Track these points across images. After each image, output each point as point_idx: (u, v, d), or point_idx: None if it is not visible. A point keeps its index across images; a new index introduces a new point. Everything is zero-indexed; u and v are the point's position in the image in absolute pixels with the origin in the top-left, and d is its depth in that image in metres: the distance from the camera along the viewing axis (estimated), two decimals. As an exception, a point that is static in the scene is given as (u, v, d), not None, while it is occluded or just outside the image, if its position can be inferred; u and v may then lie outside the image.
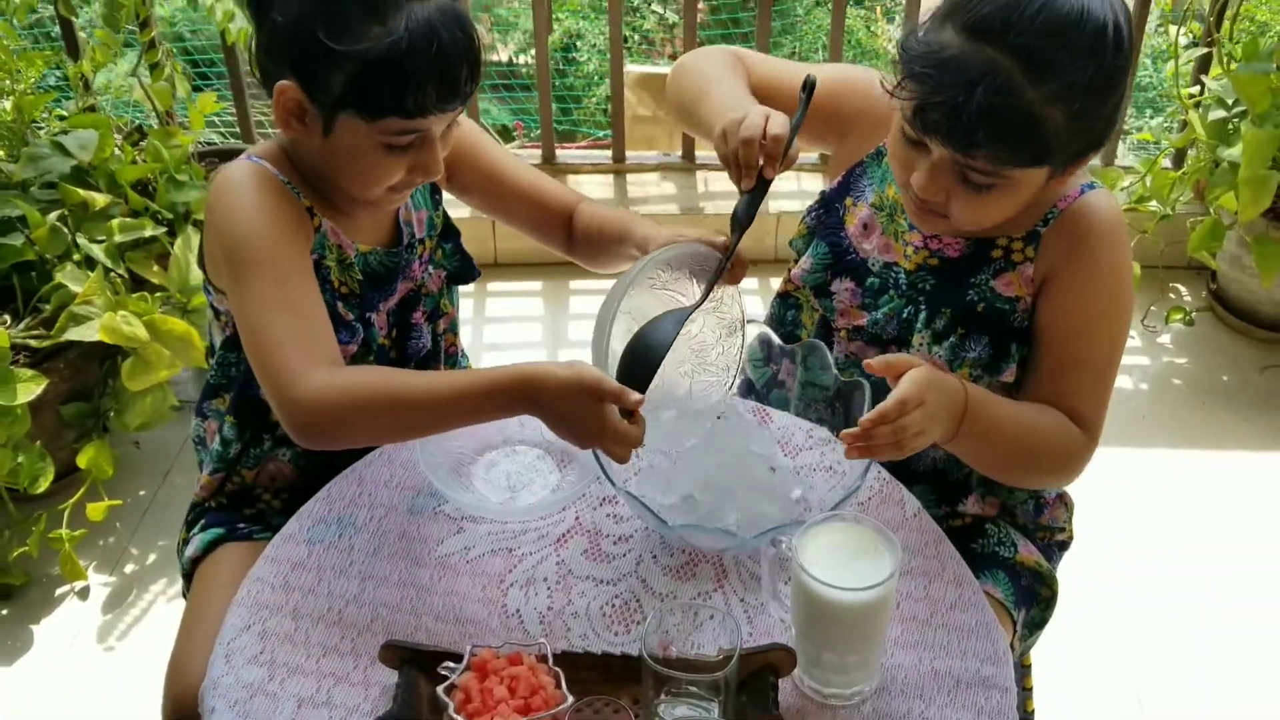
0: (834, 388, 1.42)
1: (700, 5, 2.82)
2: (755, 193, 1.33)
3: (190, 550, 1.55)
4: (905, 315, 1.44)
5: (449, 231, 1.59)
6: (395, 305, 1.51)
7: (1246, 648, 2.07)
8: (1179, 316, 2.71)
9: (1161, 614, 2.13)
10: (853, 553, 1.15)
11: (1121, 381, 2.62)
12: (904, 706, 1.19)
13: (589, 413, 1.19)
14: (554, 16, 8.78)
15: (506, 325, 2.81)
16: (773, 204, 2.82)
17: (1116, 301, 1.39)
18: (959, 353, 1.42)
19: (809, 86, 1.36)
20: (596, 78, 8.23)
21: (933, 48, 1.21)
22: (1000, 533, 1.55)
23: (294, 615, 1.27)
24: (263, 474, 1.55)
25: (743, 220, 1.33)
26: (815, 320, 1.55)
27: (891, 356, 1.25)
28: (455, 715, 1.11)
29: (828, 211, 1.52)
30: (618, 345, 1.28)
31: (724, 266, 1.33)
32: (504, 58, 9.26)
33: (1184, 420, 2.53)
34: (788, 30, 7.67)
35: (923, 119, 1.23)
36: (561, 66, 8.53)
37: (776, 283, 1.59)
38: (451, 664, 1.15)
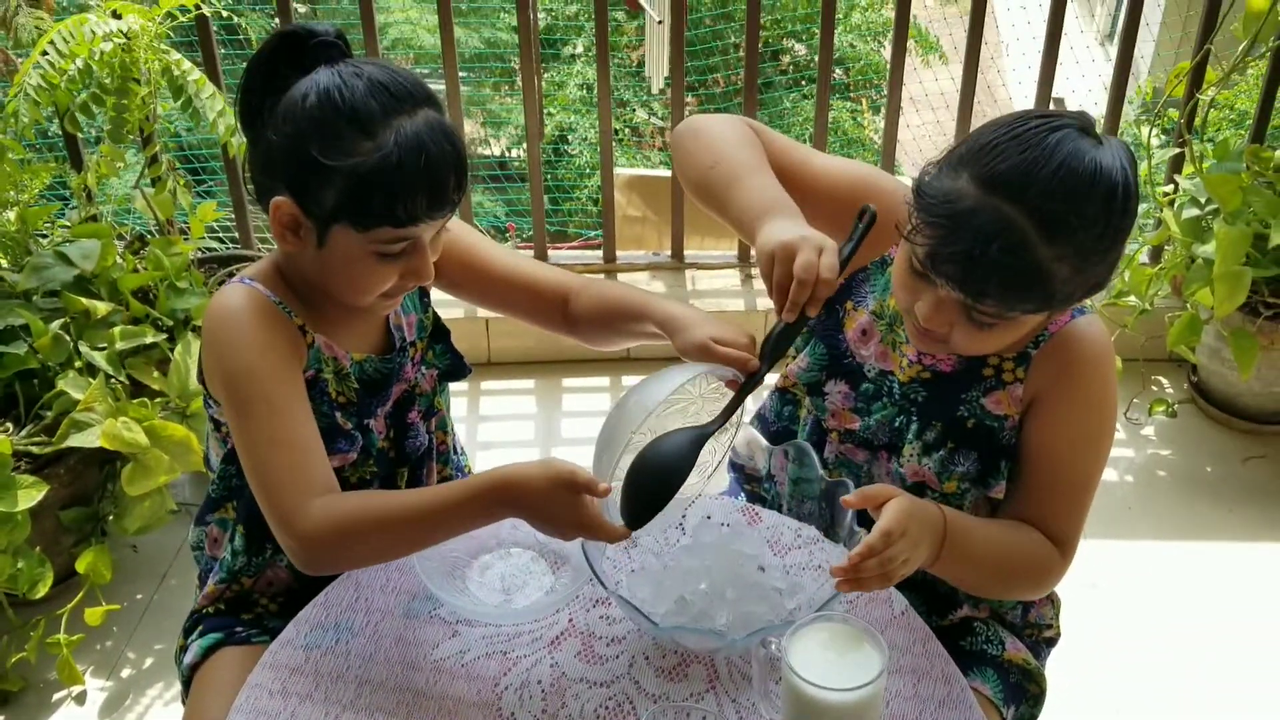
0: (820, 488, 1.46)
1: (688, 100, 2.89)
2: (794, 326, 1.31)
3: (189, 657, 1.56)
4: (897, 424, 1.48)
5: (439, 332, 1.63)
6: (390, 408, 1.55)
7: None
8: (1161, 409, 2.76)
9: (1149, 704, 2.14)
10: (841, 652, 1.17)
11: (1106, 474, 2.63)
12: (894, 806, 1.21)
13: (565, 505, 1.24)
14: (546, 111, 8.98)
15: (500, 424, 2.84)
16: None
17: (1100, 427, 1.43)
18: (948, 466, 1.45)
19: (868, 218, 1.36)
20: (587, 169, 8.38)
21: (950, 197, 1.23)
22: (988, 631, 1.57)
23: (292, 721, 1.29)
24: (260, 580, 1.57)
25: (775, 353, 1.33)
26: (809, 418, 1.59)
27: (868, 489, 1.29)
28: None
29: (828, 313, 1.54)
30: (626, 459, 1.29)
31: (747, 393, 1.33)
32: (496, 152, 9.44)
33: (1169, 512, 2.56)
34: (775, 120, 7.85)
35: (934, 263, 1.25)
36: (552, 159, 8.70)
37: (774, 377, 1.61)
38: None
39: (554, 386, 2.93)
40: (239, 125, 1.41)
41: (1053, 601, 1.66)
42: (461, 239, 1.58)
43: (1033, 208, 1.20)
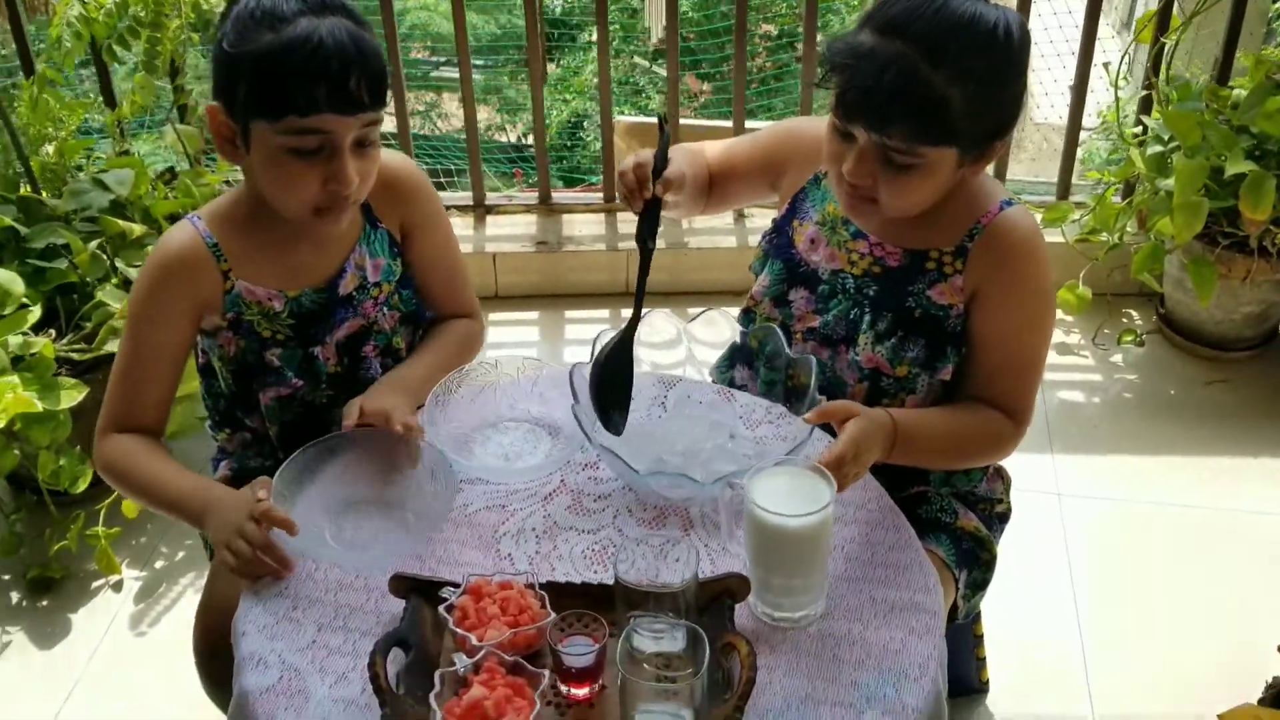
0: (785, 368, 1.63)
1: (684, 78, 3.04)
2: (643, 216, 1.57)
3: None
4: (852, 317, 1.65)
5: (407, 280, 1.74)
6: (344, 339, 1.68)
7: (1193, 625, 2.25)
8: (1130, 338, 2.92)
9: (1109, 596, 2.31)
10: (795, 489, 1.33)
11: (1074, 395, 2.82)
12: (845, 628, 1.36)
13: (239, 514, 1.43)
14: (561, 98, 9.13)
15: (507, 351, 3.00)
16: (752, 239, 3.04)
17: (1039, 309, 1.61)
18: (899, 352, 1.62)
19: (663, 126, 1.61)
20: (597, 148, 8.52)
21: (851, 44, 1.45)
22: (942, 502, 1.74)
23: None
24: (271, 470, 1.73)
25: (640, 241, 1.57)
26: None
27: (826, 407, 1.48)
28: (454, 628, 1.29)
29: (779, 234, 1.74)
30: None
31: (642, 288, 1.56)
32: (512, 138, 9.57)
33: (1133, 430, 2.72)
34: (791, 107, 8.00)
35: (845, 106, 1.46)
36: (568, 144, 8.84)
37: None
38: (451, 589, 1.34)
39: (557, 318, 3.10)
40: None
41: (1002, 477, 1.83)
42: (436, 225, 1.75)
43: (918, 38, 1.39)
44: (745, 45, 3.06)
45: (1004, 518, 1.84)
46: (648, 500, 1.54)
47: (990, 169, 1.64)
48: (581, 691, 1.28)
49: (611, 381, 1.54)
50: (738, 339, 1.76)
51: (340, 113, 1.43)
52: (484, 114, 8.85)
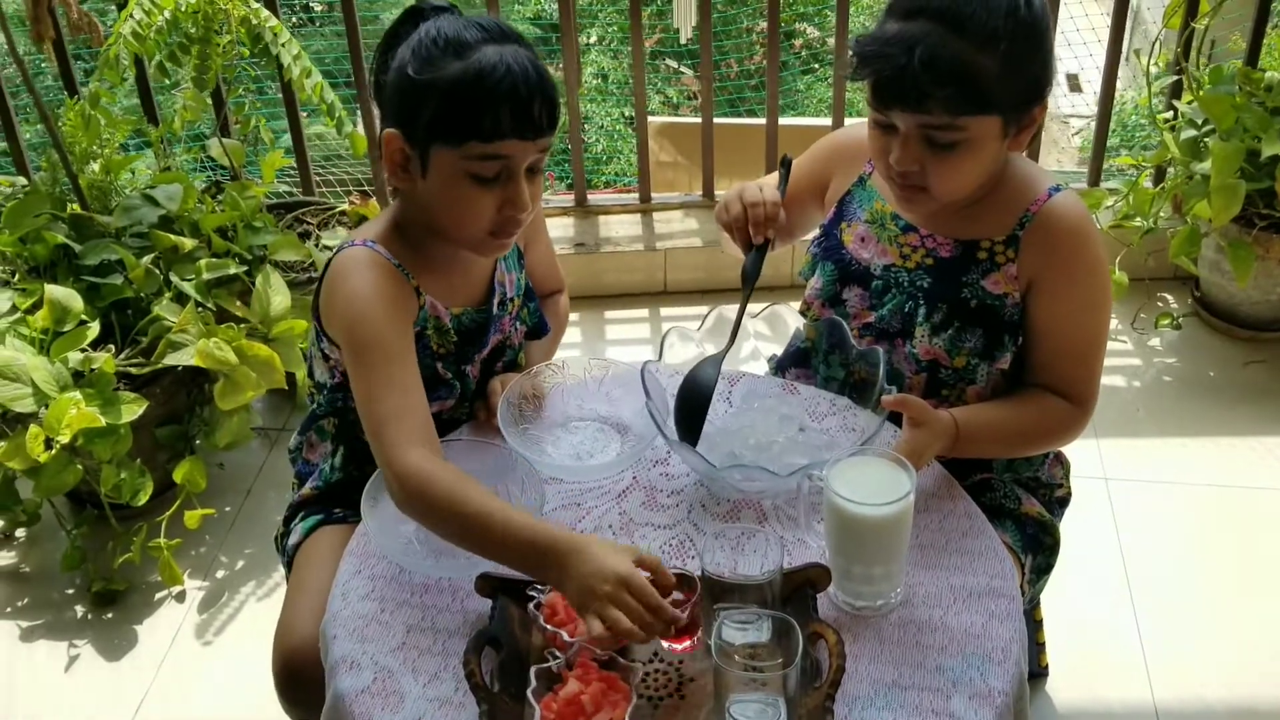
0: (850, 363, 1.66)
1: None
2: (761, 248, 1.63)
3: (293, 538, 1.74)
4: (907, 310, 1.67)
5: (530, 293, 1.79)
6: (486, 355, 1.71)
7: (1247, 605, 2.27)
8: (1166, 322, 2.94)
9: (1162, 578, 2.34)
10: (875, 478, 1.35)
11: (1114, 380, 2.84)
12: (925, 614, 1.39)
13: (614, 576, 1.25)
14: (563, 99, 9.16)
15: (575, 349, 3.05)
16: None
17: (1095, 294, 1.63)
18: (956, 343, 1.64)
19: (786, 164, 1.67)
20: (598, 150, 8.55)
21: (878, 34, 1.49)
22: (1006, 489, 1.76)
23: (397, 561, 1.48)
24: (360, 485, 1.75)
25: (752, 275, 1.63)
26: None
27: (908, 397, 1.51)
28: (545, 625, 1.32)
29: (827, 238, 1.76)
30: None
31: (741, 318, 1.62)
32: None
33: (1174, 412, 2.74)
34: (790, 106, 8.03)
35: (881, 94, 1.49)
36: (567, 145, 8.88)
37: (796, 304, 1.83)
38: (538, 587, 1.37)
39: (596, 318, 3.13)
40: (374, 92, 1.58)
41: (1062, 463, 1.85)
42: (540, 231, 1.84)
43: (941, 13, 1.44)
44: (779, 49, 3.07)
45: (1064, 502, 1.86)
46: (721, 495, 1.56)
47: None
48: (681, 645, 1.32)
49: (692, 400, 1.57)
50: (800, 333, 1.78)
51: (521, 138, 1.47)
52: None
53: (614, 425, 1.69)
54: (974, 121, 1.48)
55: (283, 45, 2.31)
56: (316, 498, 1.76)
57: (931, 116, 1.47)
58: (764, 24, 9.86)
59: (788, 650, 1.22)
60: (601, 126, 9.06)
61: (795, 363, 1.84)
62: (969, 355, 1.65)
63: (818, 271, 1.76)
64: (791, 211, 1.77)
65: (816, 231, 1.80)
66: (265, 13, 2.34)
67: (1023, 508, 1.75)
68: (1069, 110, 6.61)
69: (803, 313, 1.79)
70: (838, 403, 1.69)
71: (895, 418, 1.55)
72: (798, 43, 10.33)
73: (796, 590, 1.36)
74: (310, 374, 1.78)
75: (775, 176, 1.74)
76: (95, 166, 2.58)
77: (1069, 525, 1.84)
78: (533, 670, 1.25)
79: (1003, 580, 1.44)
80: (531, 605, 1.34)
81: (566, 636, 1.29)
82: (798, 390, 1.72)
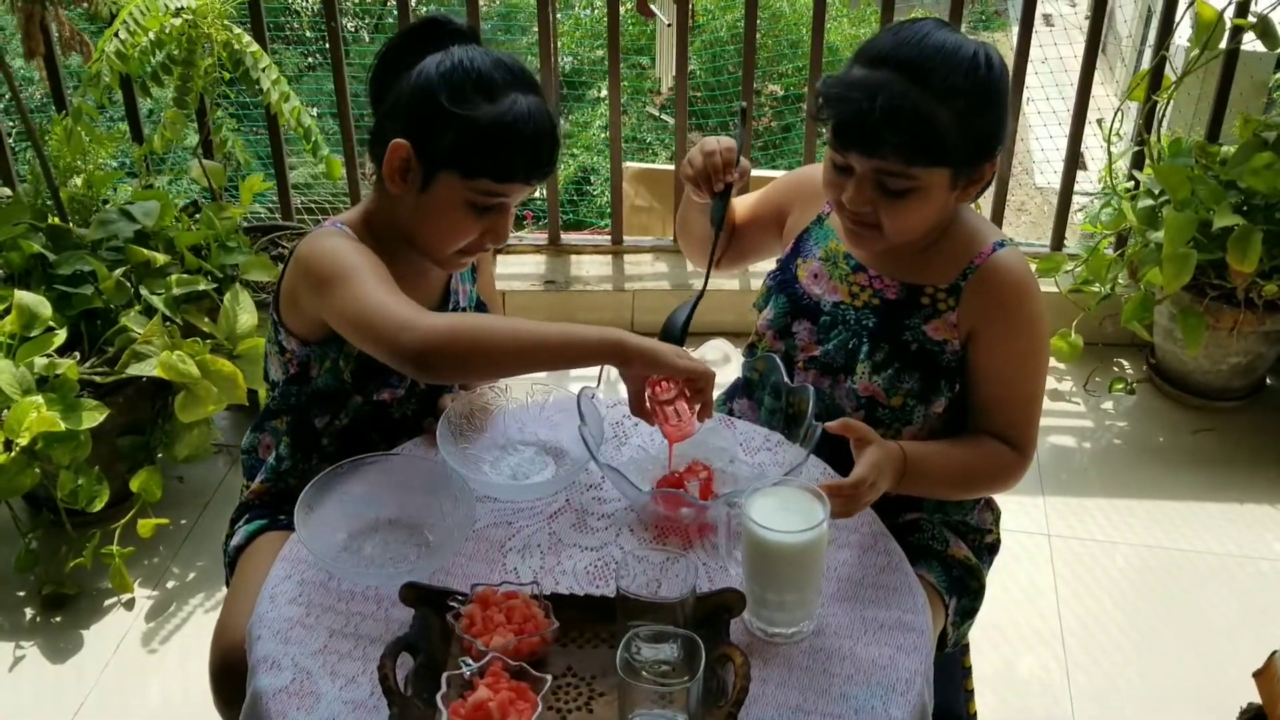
0: (785, 396, 1.70)
1: (691, 134, 3.15)
2: (722, 196, 1.73)
3: (236, 540, 1.78)
4: (851, 346, 1.73)
5: (481, 306, 1.87)
6: None
7: (1174, 664, 2.30)
8: (1120, 386, 3.00)
9: (1096, 634, 2.37)
10: (790, 508, 1.39)
11: (1065, 440, 2.88)
12: (835, 644, 1.41)
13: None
14: (569, 152, 9.28)
15: (514, 381, 3.07)
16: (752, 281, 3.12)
17: (1033, 345, 1.69)
18: (895, 383, 1.69)
19: (742, 112, 1.78)
20: (602, 201, 8.65)
21: (843, 79, 1.56)
22: (934, 530, 1.80)
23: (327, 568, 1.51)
24: (306, 482, 1.80)
25: (719, 219, 1.75)
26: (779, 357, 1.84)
27: (851, 420, 1.55)
28: (462, 634, 1.35)
29: (783, 272, 1.83)
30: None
31: (712, 260, 1.74)
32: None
33: (1121, 475, 2.79)
34: (778, 150, 8.14)
35: (840, 135, 1.56)
36: (575, 199, 8.99)
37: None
38: (460, 597, 1.40)
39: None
40: (369, 86, 1.64)
41: (992, 510, 1.89)
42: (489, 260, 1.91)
43: (904, 65, 1.51)
44: (752, 94, 3.14)
45: (993, 549, 1.90)
46: (649, 520, 1.60)
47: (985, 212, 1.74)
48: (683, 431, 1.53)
49: (671, 329, 1.73)
50: (740, 370, 1.83)
51: (527, 183, 1.59)
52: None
53: (552, 449, 1.73)
54: (925, 172, 1.54)
55: (263, 70, 2.38)
56: (264, 497, 1.79)
57: (886, 162, 1.54)
58: (772, 87, 10.05)
59: (692, 667, 1.26)
60: (607, 179, 9.19)
61: (741, 393, 1.89)
62: (906, 396, 1.70)
63: (771, 303, 1.81)
64: (748, 235, 1.86)
65: (773, 264, 1.86)
66: (247, 38, 2.41)
67: (950, 550, 1.79)
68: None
69: (754, 343, 1.85)
70: (771, 438, 1.73)
71: (835, 459, 1.59)
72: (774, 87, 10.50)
73: (711, 614, 1.38)
74: (266, 375, 1.82)
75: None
76: (78, 181, 2.64)
77: (1009, 577, 1.89)
78: (445, 676, 1.28)
79: (914, 615, 1.47)
80: (450, 615, 1.37)
81: (481, 645, 1.32)
82: (734, 424, 1.77)
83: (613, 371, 1.70)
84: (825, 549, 1.40)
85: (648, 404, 1.52)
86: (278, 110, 2.43)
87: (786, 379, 1.70)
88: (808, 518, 1.37)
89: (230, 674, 1.60)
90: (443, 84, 1.54)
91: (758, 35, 2.82)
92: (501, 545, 1.55)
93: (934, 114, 1.50)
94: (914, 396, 1.69)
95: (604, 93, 10.28)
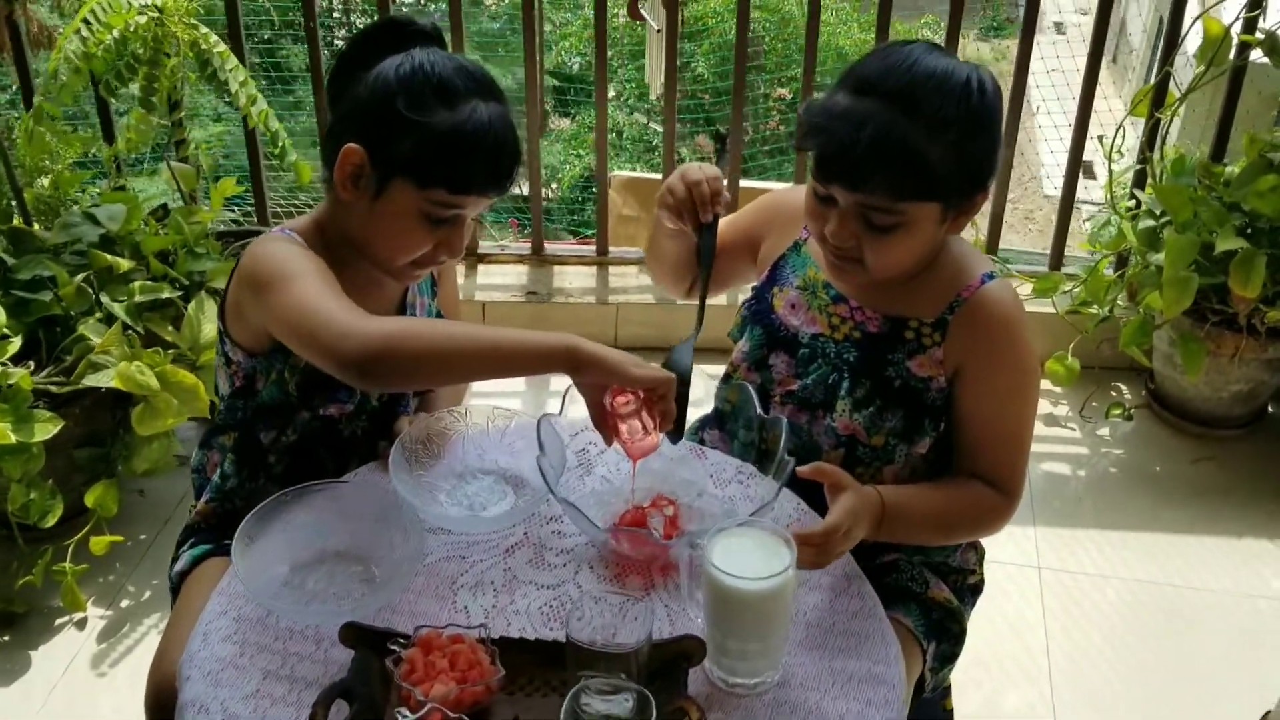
0: (758, 429, 1.62)
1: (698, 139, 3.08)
2: (709, 230, 1.61)
3: (179, 565, 1.71)
4: (830, 382, 1.64)
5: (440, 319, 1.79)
6: None
7: (1168, 706, 2.22)
8: (1118, 412, 2.91)
9: (1085, 672, 2.28)
10: (755, 551, 1.31)
11: (1059, 468, 2.80)
12: (801, 696, 1.33)
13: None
14: (575, 154, 9.24)
15: (492, 400, 2.99)
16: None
17: (1021, 383, 1.60)
18: (876, 421, 1.60)
19: (720, 138, 1.64)
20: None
21: (827, 106, 1.46)
22: (913, 571, 1.72)
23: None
24: (253, 504, 1.73)
25: (707, 254, 1.61)
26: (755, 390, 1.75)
27: (824, 465, 1.46)
28: (400, 682, 1.27)
29: (759, 301, 1.73)
30: None
31: (704, 300, 1.61)
32: (526, 190, 9.65)
33: (1116, 505, 2.70)
34: (783, 152, 8.06)
35: (823, 168, 1.46)
36: (580, 198, 8.96)
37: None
38: (402, 641, 1.32)
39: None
40: (327, 87, 1.57)
41: (976, 549, 1.81)
42: (452, 272, 1.83)
43: (893, 93, 1.40)
44: (743, 105, 3.08)
45: (976, 590, 1.81)
46: (609, 557, 1.52)
47: (979, 233, 1.65)
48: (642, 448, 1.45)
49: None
50: (721, 393, 1.75)
51: (484, 195, 1.51)
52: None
53: (512, 478, 1.65)
54: (914, 206, 1.45)
55: (230, 71, 2.29)
56: (210, 519, 1.72)
57: (872, 198, 1.44)
58: (781, 90, 10.00)
59: (643, 724, 1.18)
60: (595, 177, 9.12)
61: (713, 424, 1.80)
62: (888, 435, 1.61)
63: (747, 334, 1.72)
64: (719, 262, 1.73)
65: (749, 292, 1.77)
66: (214, 38, 2.33)
67: (929, 592, 1.70)
68: (1081, 195, 6.63)
69: (729, 374, 1.76)
70: (743, 470, 1.65)
71: (810, 494, 1.51)
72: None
73: (669, 663, 1.31)
74: (216, 389, 1.75)
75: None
76: (45, 182, 2.56)
77: (996, 612, 1.81)
78: (380, 726, 1.20)
79: (886, 666, 1.39)
80: (389, 660, 1.29)
81: (420, 695, 1.24)
82: (706, 455, 1.69)
83: (575, 396, 1.60)
84: (791, 596, 1.33)
85: (608, 418, 1.43)
86: (246, 112, 2.35)
87: (760, 410, 1.61)
88: (773, 563, 1.29)
89: (165, 709, 1.52)
90: (400, 88, 1.47)
91: (766, 39, 2.75)
92: (453, 581, 1.47)
93: (924, 147, 1.41)
94: (896, 435, 1.61)
95: (611, 93, 10.24)
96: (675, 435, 1.48)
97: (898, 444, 1.61)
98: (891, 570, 1.71)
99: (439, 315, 1.80)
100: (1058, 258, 3.14)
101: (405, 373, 1.38)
